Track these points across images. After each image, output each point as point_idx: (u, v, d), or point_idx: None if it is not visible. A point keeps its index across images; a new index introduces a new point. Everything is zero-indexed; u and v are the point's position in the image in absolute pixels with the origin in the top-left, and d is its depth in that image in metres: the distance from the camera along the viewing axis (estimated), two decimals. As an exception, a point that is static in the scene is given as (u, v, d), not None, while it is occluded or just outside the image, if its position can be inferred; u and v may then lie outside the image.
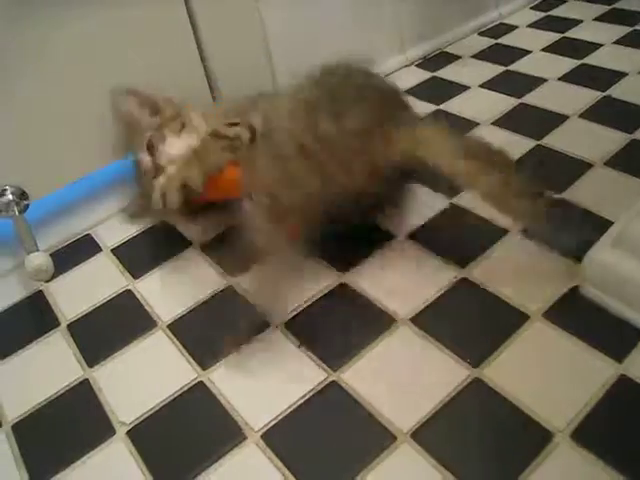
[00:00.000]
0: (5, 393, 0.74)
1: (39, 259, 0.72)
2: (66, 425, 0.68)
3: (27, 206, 0.88)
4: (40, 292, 0.87)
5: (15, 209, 0.85)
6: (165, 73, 0.94)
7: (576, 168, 0.88)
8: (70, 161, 0.92)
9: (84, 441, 0.66)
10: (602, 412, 0.58)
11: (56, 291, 0.86)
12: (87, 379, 0.73)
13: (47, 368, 0.75)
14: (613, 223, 0.75)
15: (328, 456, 0.60)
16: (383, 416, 0.62)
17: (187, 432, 0.65)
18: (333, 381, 0.66)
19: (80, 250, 0.92)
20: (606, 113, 0.97)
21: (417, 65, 1.22)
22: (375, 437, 0.60)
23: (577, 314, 0.67)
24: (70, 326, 0.80)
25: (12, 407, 0.71)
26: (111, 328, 0.78)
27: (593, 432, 0.57)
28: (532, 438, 0.58)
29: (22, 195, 0.87)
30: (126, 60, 0.91)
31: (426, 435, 0.60)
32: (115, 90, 0.88)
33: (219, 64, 1.00)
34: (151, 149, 0.83)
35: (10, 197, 0.86)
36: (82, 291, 0.85)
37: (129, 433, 0.66)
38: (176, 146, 0.82)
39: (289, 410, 0.64)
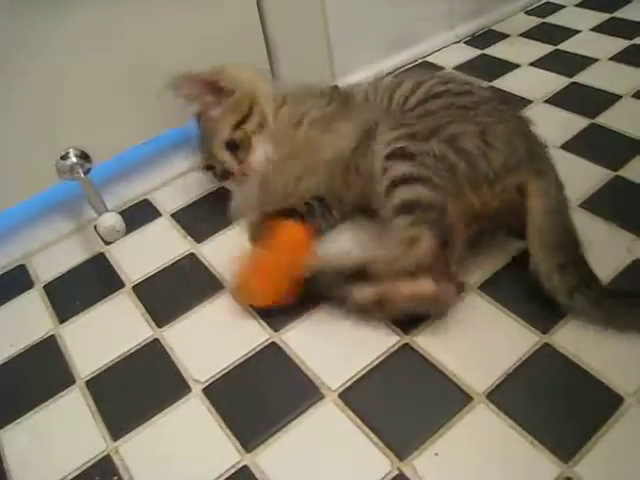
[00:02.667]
0: (76, 350, 0.75)
1: (113, 219, 0.73)
2: (141, 383, 0.70)
3: (89, 169, 0.89)
4: (102, 254, 0.89)
5: (80, 171, 0.86)
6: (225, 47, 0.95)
7: (631, 147, 0.89)
8: (131, 126, 0.93)
9: (160, 398, 0.68)
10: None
11: (118, 254, 0.88)
12: (157, 338, 0.75)
13: (116, 328, 0.77)
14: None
15: (406, 415, 0.62)
16: (458, 378, 0.64)
17: (263, 390, 0.67)
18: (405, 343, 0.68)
19: (139, 214, 0.94)
20: (659, 93, 0.98)
21: (466, 42, 1.22)
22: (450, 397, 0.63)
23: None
24: (135, 288, 0.82)
25: (84, 364, 0.73)
26: (177, 290, 0.80)
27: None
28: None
29: (85, 157, 0.88)
30: (185, 32, 0.92)
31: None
32: (170, 79, 0.83)
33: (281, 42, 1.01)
34: (233, 148, 0.83)
35: (74, 159, 0.87)
36: (144, 254, 0.86)
37: (205, 391, 0.68)
38: (260, 152, 0.83)
39: (364, 371, 0.66)
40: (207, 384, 0.68)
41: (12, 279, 0.88)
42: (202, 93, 0.84)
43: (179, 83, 0.82)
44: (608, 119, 0.94)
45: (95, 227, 0.83)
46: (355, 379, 0.66)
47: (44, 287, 0.85)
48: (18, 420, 0.69)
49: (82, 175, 0.86)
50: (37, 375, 0.74)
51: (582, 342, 0.65)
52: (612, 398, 0.60)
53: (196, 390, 0.68)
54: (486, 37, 1.22)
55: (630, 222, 0.77)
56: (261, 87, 0.86)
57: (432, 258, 0.67)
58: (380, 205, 0.73)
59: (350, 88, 0.89)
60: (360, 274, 0.68)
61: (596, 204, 0.81)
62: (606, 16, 1.22)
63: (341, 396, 0.64)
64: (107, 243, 0.89)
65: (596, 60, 1.09)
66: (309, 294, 0.71)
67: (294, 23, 1.00)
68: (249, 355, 0.70)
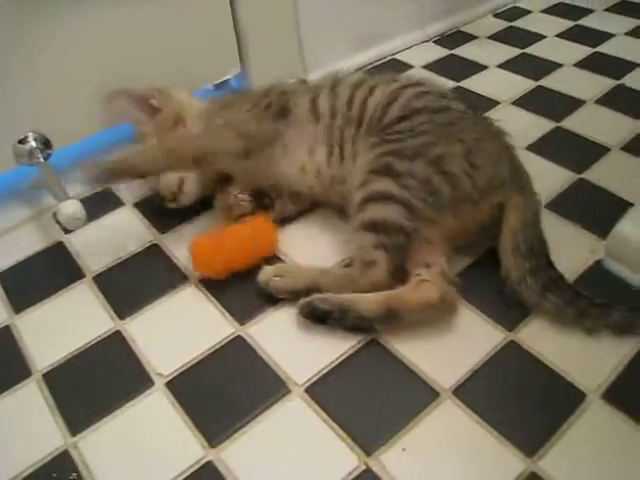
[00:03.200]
0: (32, 342, 0.72)
1: (73, 207, 0.70)
2: (101, 376, 0.68)
3: (50, 155, 0.85)
4: (60, 243, 0.85)
5: (40, 156, 0.82)
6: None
7: (594, 150, 0.91)
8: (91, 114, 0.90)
9: (122, 392, 0.66)
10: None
11: (77, 243, 0.85)
12: (119, 330, 0.72)
13: (76, 319, 0.74)
14: (632, 204, 0.79)
15: (374, 411, 0.62)
16: (425, 373, 0.64)
17: (228, 385, 0.65)
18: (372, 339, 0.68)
19: (101, 203, 0.90)
20: (621, 101, 1.00)
21: (435, 42, 1.23)
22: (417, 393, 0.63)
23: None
24: (96, 278, 0.79)
25: (41, 356, 0.71)
26: (140, 281, 0.78)
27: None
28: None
29: (46, 142, 0.85)
30: (154, 25, 0.90)
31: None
32: (109, 92, 0.86)
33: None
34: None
35: (33, 144, 0.84)
36: (106, 244, 0.83)
37: (168, 384, 0.66)
38: None
39: (331, 366, 0.66)
40: (170, 378, 0.66)
41: (-36, 267, 0.84)
42: (133, 109, 0.85)
43: (113, 97, 0.84)
44: (573, 123, 0.97)
45: (54, 214, 0.80)
46: (322, 374, 0.65)
47: (-2, 276, 0.82)
48: (-31, 415, 0.66)
49: (42, 160, 0.82)
50: (-11, 368, 0.71)
51: (546, 339, 0.67)
52: (575, 394, 0.62)
53: (159, 384, 0.66)
54: (455, 38, 1.23)
55: (593, 224, 0.79)
56: (187, 104, 0.87)
57: (386, 282, 0.68)
58: (351, 213, 0.72)
59: (298, 92, 0.84)
60: (313, 291, 0.69)
61: (561, 205, 0.83)
62: (571, 23, 1.25)
63: (307, 391, 0.64)
64: (67, 231, 0.86)
65: (561, 65, 1.11)
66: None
67: (265, 17, 0.99)
68: (214, 348, 0.69)
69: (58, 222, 0.76)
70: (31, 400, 0.66)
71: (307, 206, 0.85)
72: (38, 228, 0.88)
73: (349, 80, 0.83)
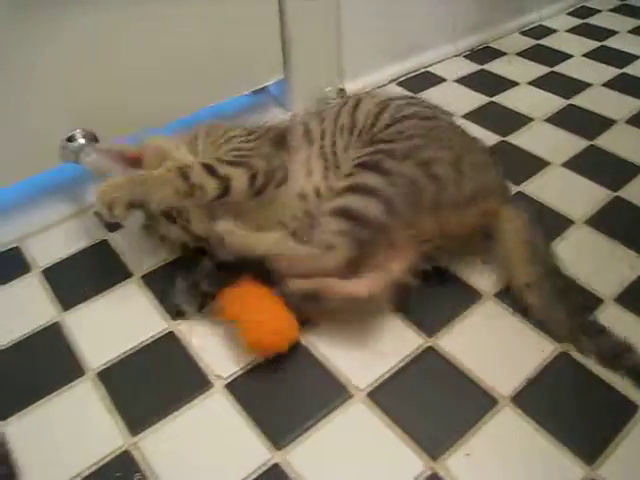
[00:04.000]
0: (83, 340, 0.72)
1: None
2: (158, 376, 0.68)
3: (97, 152, 0.85)
4: (104, 241, 0.85)
5: (90, 153, 0.82)
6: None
7: (628, 170, 0.94)
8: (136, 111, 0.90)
9: (180, 393, 0.66)
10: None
11: (122, 241, 0.85)
12: (172, 332, 0.72)
13: (126, 318, 0.74)
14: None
15: (435, 416, 0.63)
16: (483, 381, 0.66)
17: (290, 388, 0.66)
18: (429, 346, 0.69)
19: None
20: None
21: (465, 56, 1.25)
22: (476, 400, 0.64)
23: None
24: (144, 277, 0.79)
25: (94, 355, 0.70)
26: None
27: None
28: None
29: (94, 139, 0.85)
30: (203, 26, 0.91)
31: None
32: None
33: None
34: (171, 217, 0.75)
35: (82, 141, 0.84)
36: (149, 244, 0.83)
37: (228, 386, 0.66)
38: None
39: (390, 373, 0.67)
40: (230, 380, 0.67)
41: (6, 262, 0.83)
42: (112, 163, 0.77)
43: (99, 153, 0.79)
44: (605, 142, 0.99)
45: (96, 212, 0.80)
46: (382, 380, 0.66)
47: (42, 272, 0.81)
48: (22, 412, 0.65)
49: (93, 157, 0.82)
50: (41, 365, 0.70)
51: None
52: (630, 404, 0.63)
53: (218, 386, 0.66)
54: (485, 53, 1.26)
55: (631, 241, 0.81)
56: (165, 141, 0.79)
57: (340, 270, 0.68)
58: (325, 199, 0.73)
59: (284, 124, 0.85)
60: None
61: (599, 222, 0.85)
62: (596, 44, 1.28)
63: (369, 396, 0.65)
64: (111, 230, 0.86)
65: (590, 85, 1.14)
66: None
67: (312, 26, 1.00)
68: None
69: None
70: (87, 399, 0.66)
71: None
72: (80, 226, 0.88)
73: (334, 104, 0.86)
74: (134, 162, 0.77)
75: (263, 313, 0.68)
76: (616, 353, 0.67)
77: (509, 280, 0.73)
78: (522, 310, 0.72)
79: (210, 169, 0.70)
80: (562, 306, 0.69)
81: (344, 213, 0.69)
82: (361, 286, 0.68)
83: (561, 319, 0.69)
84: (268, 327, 0.67)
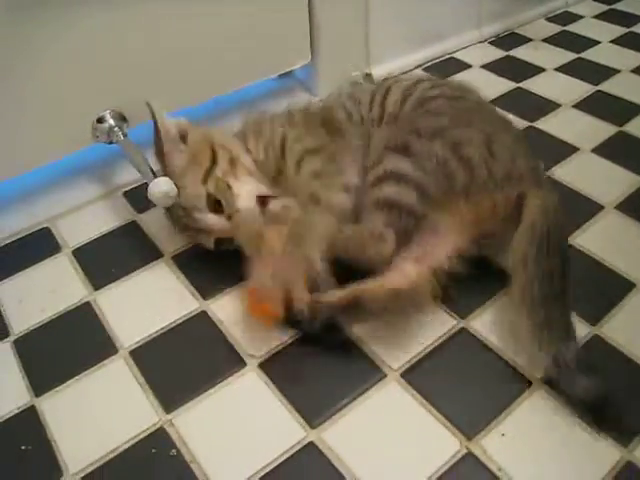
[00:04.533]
0: (115, 319, 0.73)
1: (167, 185, 0.70)
2: (190, 355, 0.68)
3: (127, 132, 0.85)
4: (134, 222, 0.86)
5: (120, 134, 0.83)
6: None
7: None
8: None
9: (213, 371, 0.66)
10: None
11: (150, 223, 0.85)
12: (204, 311, 0.73)
13: (158, 298, 0.75)
14: None
15: (469, 396, 0.63)
16: (515, 362, 0.65)
17: (322, 367, 0.66)
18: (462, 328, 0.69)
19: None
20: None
21: (490, 42, 1.24)
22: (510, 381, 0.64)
23: None
24: (175, 258, 0.80)
25: (126, 334, 0.71)
26: (218, 265, 0.77)
27: None
28: None
29: (122, 119, 0.85)
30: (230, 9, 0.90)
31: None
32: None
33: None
34: (214, 205, 0.71)
35: (112, 122, 0.84)
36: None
37: (261, 365, 0.66)
38: (246, 194, 0.71)
39: (423, 353, 0.67)
40: (264, 359, 0.67)
41: (36, 242, 0.84)
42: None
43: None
44: (635, 128, 0.98)
45: (124, 194, 0.80)
46: (415, 361, 0.66)
47: (73, 252, 0.82)
48: (57, 388, 0.66)
49: (121, 137, 0.82)
50: (74, 343, 0.71)
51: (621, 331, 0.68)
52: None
53: (252, 365, 0.67)
54: (510, 39, 1.25)
55: (664, 225, 0.81)
56: (211, 129, 0.78)
57: (390, 259, 0.67)
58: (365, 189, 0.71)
59: (323, 106, 0.83)
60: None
61: (629, 208, 0.84)
62: (624, 30, 1.27)
63: (403, 376, 0.65)
64: (140, 211, 0.86)
65: (618, 71, 1.13)
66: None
67: (340, 10, 1.00)
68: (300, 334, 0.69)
69: (151, 199, 0.74)
70: (120, 377, 0.67)
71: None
72: (110, 206, 0.88)
73: (366, 87, 0.84)
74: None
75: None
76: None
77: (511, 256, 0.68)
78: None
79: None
80: (544, 310, 0.62)
81: (385, 205, 0.68)
82: (399, 278, 0.66)
83: (534, 321, 0.62)
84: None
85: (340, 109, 0.81)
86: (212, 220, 0.71)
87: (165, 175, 0.73)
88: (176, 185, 0.72)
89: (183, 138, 0.75)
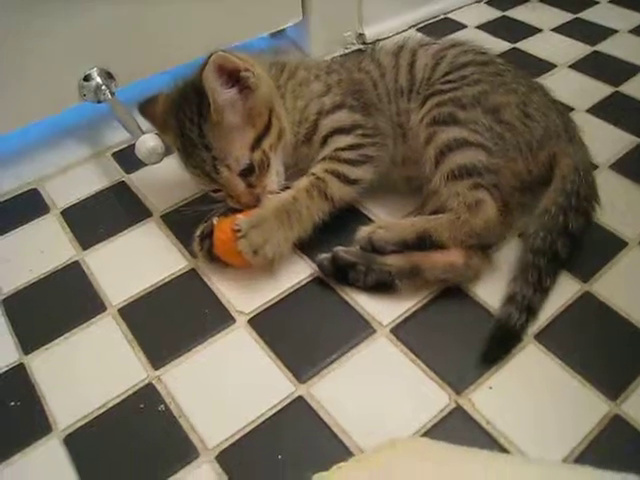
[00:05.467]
0: (103, 278, 0.72)
1: (153, 141, 0.69)
2: (179, 312, 0.68)
3: (114, 91, 0.84)
4: (122, 182, 0.85)
5: (107, 92, 0.81)
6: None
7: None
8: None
9: (202, 328, 0.66)
10: None
11: (139, 183, 0.84)
12: (194, 269, 0.72)
13: (146, 256, 0.74)
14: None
15: (458, 352, 0.63)
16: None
17: (312, 323, 0.66)
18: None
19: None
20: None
21: (486, 3, 1.22)
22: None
23: None
24: (164, 217, 0.79)
25: (114, 292, 0.71)
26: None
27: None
28: None
29: (109, 77, 0.83)
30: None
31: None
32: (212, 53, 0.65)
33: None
34: (247, 172, 0.69)
35: (99, 80, 0.82)
36: (169, 184, 0.82)
37: (250, 322, 0.66)
38: (276, 181, 0.71)
39: (413, 309, 0.67)
40: (252, 315, 0.67)
41: (24, 203, 0.83)
42: (225, 86, 0.66)
43: (217, 65, 0.64)
44: (631, 88, 0.97)
45: (113, 154, 0.79)
46: (405, 317, 0.66)
47: (61, 213, 0.81)
48: (47, 346, 0.66)
49: (109, 96, 0.81)
50: (63, 302, 0.70)
51: (622, 290, 0.67)
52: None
53: (241, 321, 0.66)
54: (507, 0, 1.22)
55: (657, 185, 0.80)
56: (274, 89, 0.73)
57: (498, 220, 0.66)
58: (426, 171, 0.70)
59: (353, 76, 0.78)
60: (422, 242, 0.67)
61: (624, 167, 0.83)
62: (624, -11, 1.24)
63: (393, 331, 0.65)
64: (128, 172, 0.85)
65: (616, 31, 1.11)
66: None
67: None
68: (295, 288, 0.69)
69: (138, 156, 0.73)
70: (109, 334, 0.67)
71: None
72: (98, 167, 0.88)
73: (388, 48, 0.80)
74: (245, 89, 0.68)
75: None
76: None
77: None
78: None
79: (343, 178, 0.70)
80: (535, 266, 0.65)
81: (461, 173, 0.67)
82: (454, 254, 0.67)
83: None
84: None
85: (367, 77, 0.77)
86: (236, 182, 0.69)
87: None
88: (225, 132, 0.66)
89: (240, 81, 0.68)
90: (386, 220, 0.75)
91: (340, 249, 0.68)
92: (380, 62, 0.79)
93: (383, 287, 0.67)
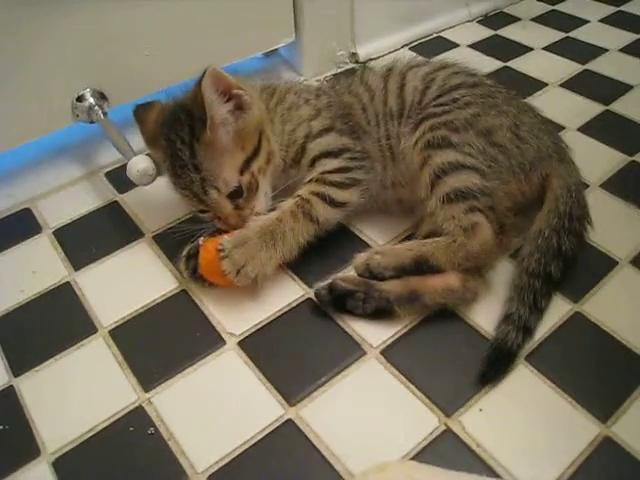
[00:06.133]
0: (95, 299, 0.72)
1: (145, 162, 0.69)
2: (170, 334, 0.68)
3: (107, 111, 0.84)
4: (115, 202, 0.85)
5: (100, 113, 0.81)
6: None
7: (644, 135, 0.92)
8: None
9: (192, 350, 0.66)
10: None
11: (131, 203, 0.84)
12: (185, 290, 0.72)
13: (138, 277, 0.74)
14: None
15: (448, 374, 0.62)
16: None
17: (302, 345, 0.66)
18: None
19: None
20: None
21: (478, 22, 1.23)
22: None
23: None
24: (156, 238, 0.79)
25: (106, 313, 0.70)
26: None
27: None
28: None
29: (102, 97, 0.84)
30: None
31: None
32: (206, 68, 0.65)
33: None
34: (235, 195, 0.69)
35: (92, 100, 0.83)
36: (161, 205, 0.82)
37: (241, 344, 0.66)
38: (264, 195, 0.71)
39: (404, 331, 0.67)
40: (243, 337, 0.67)
41: (17, 223, 0.83)
42: (221, 101, 0.67)
43: (214, 77, 0.65)
44: (621, 107, 0.98)
45: (106, 174, 0.79)
46: (395, 338, 0.66)
47: (54, 233, 0.81)
48: (37, 368, 0.65)
49: (101, 117, 0.81)
50: (53, 323, 0.70)
51: (612, 310, 0.68)
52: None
53: (231, 343, 0.66)
54: (498, 18, 1.24)
55: (648, 204, 0.80)
56: (264, 112, 0.73)
57: (494, 243, 0.67)
58: (422, 195, 0.70)
59: (341, 99, 0.79)
60: (419, 266, 0.67)
61: (615, 186, 0.84)
62: (613, 9, 1.26)
63: (383, 353, 0.64)
64: (121, 191, 0.86)
65: (606, 50, 1.12)
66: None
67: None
68: (285, 310, 0.69)
69: (130, 178, 0.74)
70: (99, 356, 0.66)
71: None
72: (91, 187, 0.88)
73: (377, 71, 0.81)
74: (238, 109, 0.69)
75: None
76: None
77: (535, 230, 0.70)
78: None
79: (329, 200, 0.71)
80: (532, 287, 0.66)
81: (456, 196, 0.67)
82: (452, 278, 0.67)
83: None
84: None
85: (355, 100, 0.78)
86: (224, 204, 0.69)
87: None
88: (208, 149, 0.67)
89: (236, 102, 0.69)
90: (382, 246, 0.75)
91: (338, 278, 0.68)
92: (369, 85, 0.79)
93: (382, 313, 0.67)
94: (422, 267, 0.67)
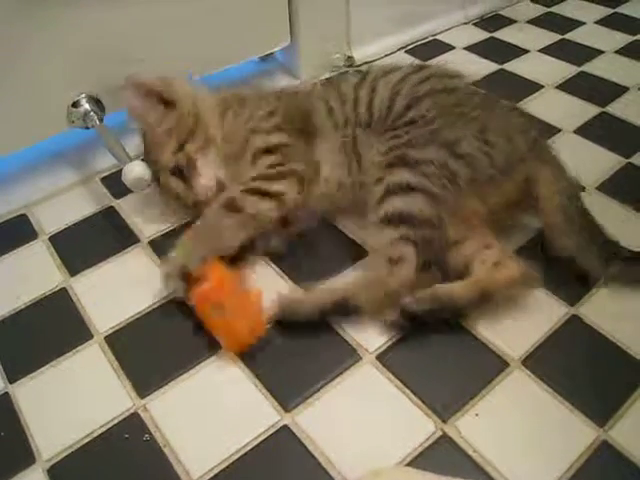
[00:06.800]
0: (91, 305, 0.72)
1: (139, 168, 0.69)
2: (166, 340, 0.68)
3: (103, 117, 0.84)
4: (112, 207, 0.85)
5: (95, 119, 0.81)
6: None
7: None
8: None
9: (188, 357, 0.66)
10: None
11: (127, 208, 0.84)
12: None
13: (134, 282, 0.74)
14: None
15: (445, 379, 0.62)
16: (494, 344, 0.65)
17: (297, 351, 0.66)
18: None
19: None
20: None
21: (475, 24, 1.23)
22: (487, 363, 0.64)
23: None
24: (152, 243, 0.79)
25: (101, 319, 0.70)
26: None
27: None
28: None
29: (98, 103, 0.84)
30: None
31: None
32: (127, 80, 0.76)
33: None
34: (179, 174, 0.76)
35: (87, 106, 0.83)
36: (156, 210, 0.83)
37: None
38: (206, 177, 0.76)
39: (400, 335, 0.66)
40: (238, 343, 0.67)
41: (13, 228, 0.83)
42: (146, 104, 0.76)
43: (129, 87, 0.75)
44: (617, 109, 0.98)
45: (102, 179, 0.79)
46: (391, 342, 0.66)
47: (50, 238, 0.81)
48: (32, 374, 0.65)
49: (97, 122, 0.81)
50: (49, 329, 0.70)
51: (609, 313, 0.68)
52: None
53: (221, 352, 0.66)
54: (495, 21, 1.24)
55: (644, 207, 0.80)
56: (202, 99, 0.80)
57: (414, 280, 0.66)
58: (370, 209, 0.70)
59: (303, 100, 0.81)
60: (342, 308, 0.66)
61: (612, 188, 0.83)
62: (609, 11, 1.26)
63: (379, 358, 0.64)
64: (117, 197, 0.85)
65: (602, 52, 1.12)
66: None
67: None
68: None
69: (125, 184, 0.74)
70: (95, 362, 0.66)
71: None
72: (87, 192, 0.88)
73: (350, 79, 0.82)
74: (165, 106, 0.77)
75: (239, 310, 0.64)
76: None
77: (559, 246, 0.70)
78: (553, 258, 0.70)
79: (260, 192, 0.71)
80: (593, 243, 0.68)
81: (394, 219, 0.67)
82: (507, 269, 0.67)
83: (592, 253, 0.68)
84: (244, 329, 0.64)
85: (322, 103, 0.78)
86: (174, 183, 0.76)
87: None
88: (154, 141, 0.76)
89: (163, 99, 0.77)
90: (297, 292, 0.72)
91: (406, 301, 0.65)
92: (342, 91, 0.79)
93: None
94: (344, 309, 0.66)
